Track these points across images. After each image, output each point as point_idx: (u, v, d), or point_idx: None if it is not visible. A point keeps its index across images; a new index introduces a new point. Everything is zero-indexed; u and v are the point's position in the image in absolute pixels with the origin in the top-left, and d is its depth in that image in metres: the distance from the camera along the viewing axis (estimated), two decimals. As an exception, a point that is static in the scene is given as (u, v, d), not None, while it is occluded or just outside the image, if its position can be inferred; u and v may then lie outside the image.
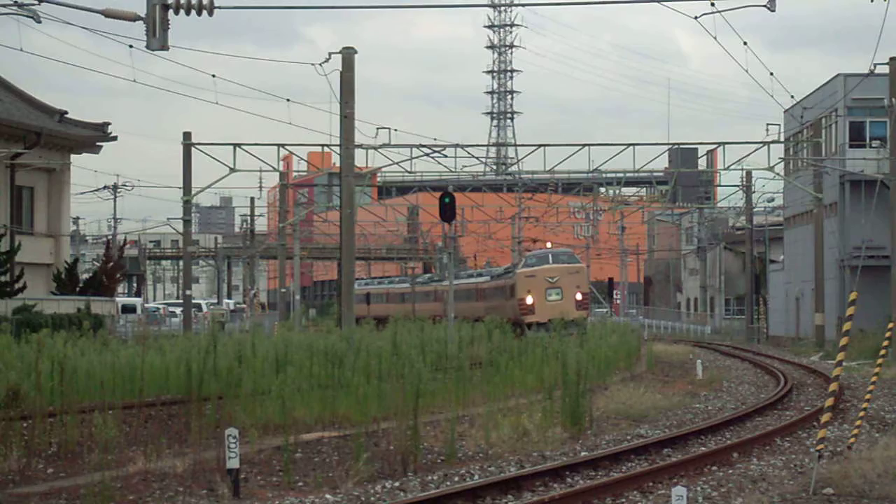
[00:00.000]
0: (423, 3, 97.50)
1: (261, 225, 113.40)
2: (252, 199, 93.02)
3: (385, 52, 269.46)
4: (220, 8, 23.32)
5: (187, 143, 55.74)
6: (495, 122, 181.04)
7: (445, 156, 58.60)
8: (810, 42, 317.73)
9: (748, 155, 61.68)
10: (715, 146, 66.43)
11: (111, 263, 58.45)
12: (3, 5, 26.53)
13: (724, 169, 61.33)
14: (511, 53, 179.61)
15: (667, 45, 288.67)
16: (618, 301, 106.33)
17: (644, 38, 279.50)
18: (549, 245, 70.49)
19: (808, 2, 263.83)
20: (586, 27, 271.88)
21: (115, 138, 53.67)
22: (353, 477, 17.06)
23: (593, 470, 18.05)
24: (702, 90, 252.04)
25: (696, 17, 31.63)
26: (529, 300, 60.22)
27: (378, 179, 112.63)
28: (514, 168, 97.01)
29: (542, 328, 52.84)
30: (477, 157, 68.58)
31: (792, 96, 51.21)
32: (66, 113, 52.22)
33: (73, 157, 53.48)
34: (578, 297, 60.46)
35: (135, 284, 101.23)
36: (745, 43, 38.62)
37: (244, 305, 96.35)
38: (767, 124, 60.14)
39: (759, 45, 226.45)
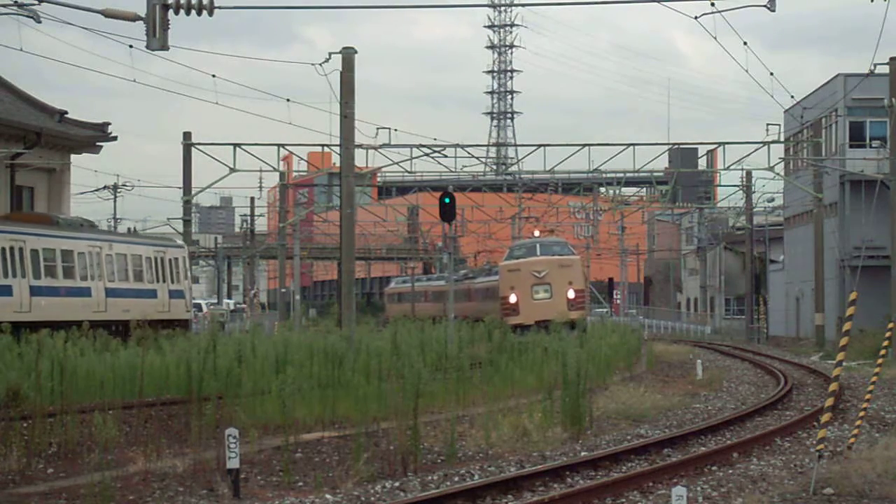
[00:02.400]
0: (423, 3, 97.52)
1: (261, 225, 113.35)
2: (252, 199, 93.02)
3: (383, 52, 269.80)
4: (220, 8, 23.34)
5: (187, 143, 55.80)
6: (495, 122, 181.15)
7: (445, 156, 58.73)
8: (808, 43, 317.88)
9: (748, 155, 61.79)
10: (715, 146, 66.55)
11: (111, 263, 58.37)
12: (4, 5, 26.54)
13: (724, 169, 61.44)
14: (511, 53, 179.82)
15: (665, 45, 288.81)
16: (618, 301, 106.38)
17: (642, 38, 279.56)
18: (536, 233, 60.46)
19: (806, 2, 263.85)
20: (586, 27, 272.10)
21: (115, 138, 53.63)
22: (353, 477, 17.07)
23: (593, 470, 18.04)
24: (700, 90, 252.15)
25: (696, 17, 31.69)
26: (513, 298, 51.16)
27: (378, 179, 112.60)
28: (514, 168, 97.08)
29: (527, 332, 44.41)
30: (477, 157, 68.63)
31: (792, 96, 51.26)
32: (66, 113, 52.14)
33: (73, 157, 53.41)
34: (571, 294, 51.47)
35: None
36: (745, 43, 38.65)
37: (244, 305, 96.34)
38: (767, 124, 60.28)
39: (757, 46, 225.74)
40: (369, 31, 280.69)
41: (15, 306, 37.05)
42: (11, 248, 37.79)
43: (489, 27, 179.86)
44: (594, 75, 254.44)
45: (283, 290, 77.81)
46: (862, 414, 20.69)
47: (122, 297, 42.89)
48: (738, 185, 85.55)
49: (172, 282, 47.17)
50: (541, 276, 51.31)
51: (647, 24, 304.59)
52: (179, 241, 51.79)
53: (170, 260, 47.37)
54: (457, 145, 60.49)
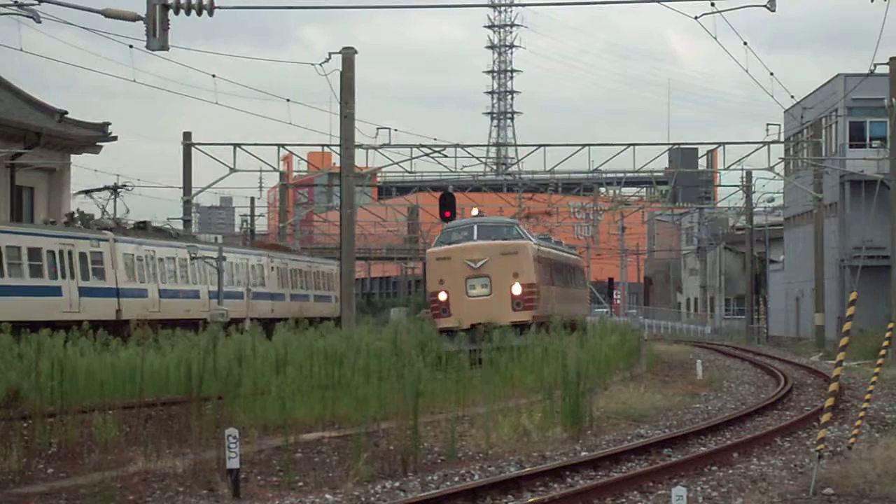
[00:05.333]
0: (424, 4, 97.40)
1: (261, 225, 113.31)
2: (252, 199, 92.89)
3: (380, 53, 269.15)
4: (220, 8, 23.36)
5: (187, 143, 55.82)
6: (495, 122, 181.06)
7: (445, 156, 58.82)
8: (803, 43, 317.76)
9: (748, 155, 61.97)
10: (715, 146, 66.63)
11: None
12: (3, 5, 26.53)
13: (724, 169, 61.52)
14: (511, 53, 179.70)
15: (663, 46, 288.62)
16: (618, 301, 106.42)
17: (641, 38, 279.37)
18: (475, 212, 47.07)
19: (802, 3, 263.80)
20: (585, 28, 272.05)
21: (115, 138, 53.68)
22: (353, 477, 17.06)
23: (593, 470, 18.04)
24: (698, 90, 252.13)
25: (696, 17, 31.76)
26: (442, 296, 40.04)
27: (378, 179, 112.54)
28: (514, 168, 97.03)
29: (462, 338, 34.93)
30: (477, 157, 68.68)
31: (792, 96, 51.32)
32: (66, 113, 52.17)
33: (73, 157, 53.44)
34: (516, 289, 40.00)
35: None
36: (745, 43, 38.72)
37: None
38: (767, 124, 60.38)
39: (754, 46, 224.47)
40: (365, 32, 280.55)
41: (284, 308, 56.87)
42: (279, 268, 58.63)
43: (489, 27, 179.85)
44: (594, 75, 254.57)
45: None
46: (862, 414, 20.70)
47: (321, 301, 63.62)
48: (738, 185, 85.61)
49: (333, 289, 64.68)
50: (477, 266, 40.10)
51: (645, 24, 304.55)
52: (332, 261, 68.34)
53: (335, 274, 64.05)
54: (457, 145, 60.63)
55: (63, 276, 39.48)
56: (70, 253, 40.10)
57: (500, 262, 40.10)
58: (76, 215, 44.20)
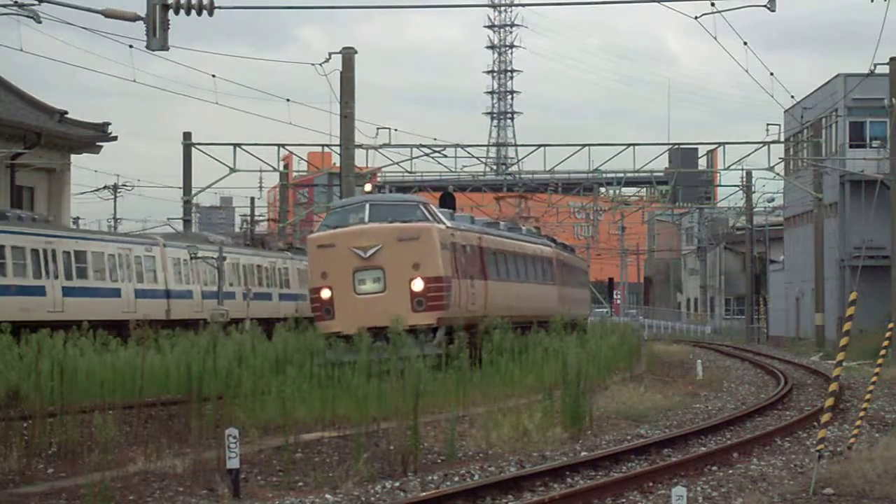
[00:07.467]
0: (424, 4, 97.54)
1: (261, 225, 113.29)
2: (252, 199, 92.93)
3: (378, 53, 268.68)
4: (220, 8, 23.36)
5: (187, 143, 55.87)
6: (495, 122, 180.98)
7: (445, 156, 58.87)
8: (803, 44, 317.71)
9: (748, 155, 61.94)
10: (715, 146, 66.69)
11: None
12: (4, 5, 26.55)
13: (725, 169, 61.59)
14: (511, 53, 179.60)
15: (662, 46, 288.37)
16: (618, 301, 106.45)
17: (640, 39, 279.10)
18: (368, 188, 38.52)
19: (801, 4, 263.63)
20: (585, 28, 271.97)
21: (115, 138, 53.72)
22: (353, 477, 17.06)
23: (593, 470, 18.04)
24: (697, 91, 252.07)
25: (695, 17, 31.79)
26: (325, 293, 31.94)
27: (378, 179, 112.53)
28: (514, 168, 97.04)
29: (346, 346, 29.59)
30: (477, 157, 68.73)
31: (792, 96, 51.30)
32: (66, 113, 52.19)
33: (73, 157, 53.46)
34: (417, 285, 32.03)
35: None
36: (745, 43, 38.72)
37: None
38: (767, 124, 60.46)
39: (754, 47, 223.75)
40: (363, 33, 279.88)
41: None
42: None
43: (489, 27, 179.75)
44: (593, 75, 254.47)
45: (284, 290, 77.97)
46: (862, 414, 20.70)
47: None
48: (738, 185, 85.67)
49: None
50: (367, 256, 32.05)
51: (644, 24, 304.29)
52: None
53: None
54: (457, 145, 60.72)
55: (273, 286, 55.42)
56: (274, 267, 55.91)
57: (396, 251, 32.20)
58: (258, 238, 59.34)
